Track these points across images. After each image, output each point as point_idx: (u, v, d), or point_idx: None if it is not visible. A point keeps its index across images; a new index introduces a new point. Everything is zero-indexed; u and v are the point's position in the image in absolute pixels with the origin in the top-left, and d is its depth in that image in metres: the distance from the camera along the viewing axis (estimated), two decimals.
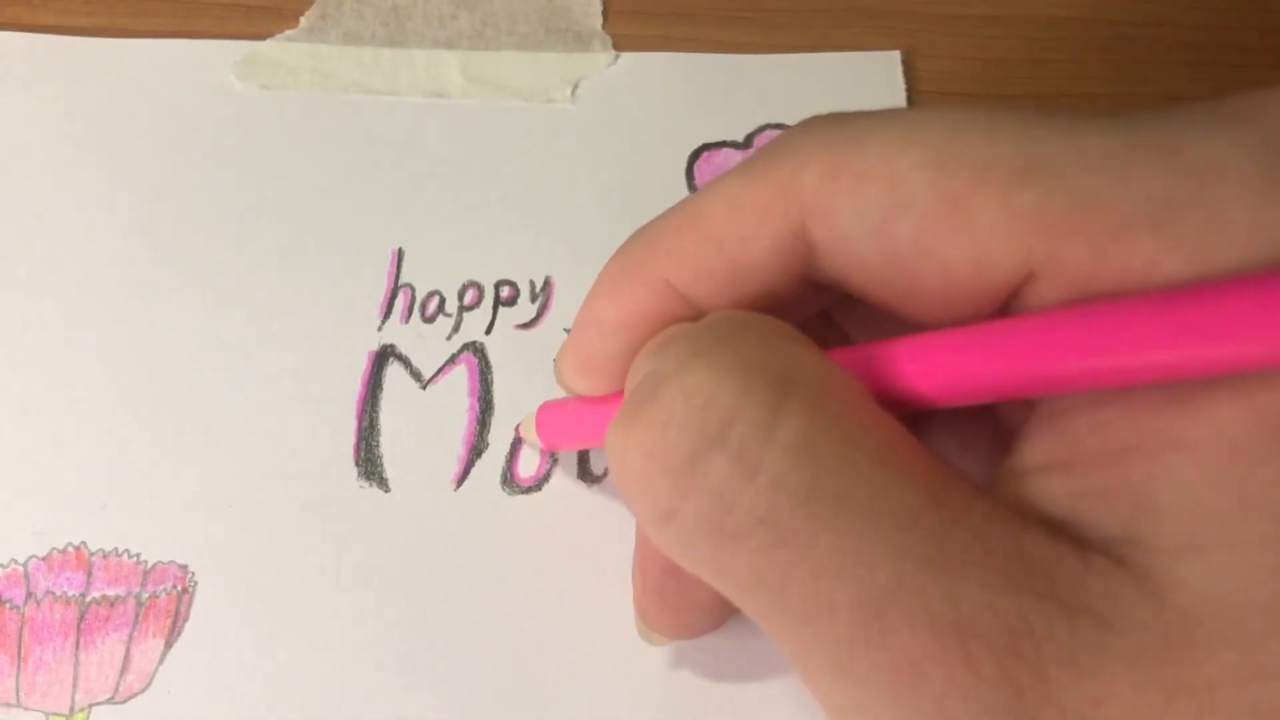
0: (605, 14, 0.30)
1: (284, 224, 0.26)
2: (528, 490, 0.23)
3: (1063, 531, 0.12)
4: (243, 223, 0.26)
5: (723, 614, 0.20)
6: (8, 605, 0.22)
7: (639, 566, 0.19)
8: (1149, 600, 0.12)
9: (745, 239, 0.15)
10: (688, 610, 0.19)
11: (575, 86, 0.28)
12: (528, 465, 0.24)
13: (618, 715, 0.21)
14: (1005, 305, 0.14)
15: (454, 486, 0.23)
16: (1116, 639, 0.12)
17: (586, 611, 0.22)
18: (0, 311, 0.25)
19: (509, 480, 0.23)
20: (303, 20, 0.29)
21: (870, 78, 0.29)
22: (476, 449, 0.24)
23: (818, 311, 0.17)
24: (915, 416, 0.14)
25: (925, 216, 0.13)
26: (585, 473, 0.24)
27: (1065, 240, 0.12)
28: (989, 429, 0.17)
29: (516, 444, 0.24)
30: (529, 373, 0.25)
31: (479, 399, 0.24)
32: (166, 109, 0.28)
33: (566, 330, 0.25)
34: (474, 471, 0.23)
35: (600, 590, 0.22)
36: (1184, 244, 0.12)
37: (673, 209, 0.17)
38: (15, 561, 0.22)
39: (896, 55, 0.29)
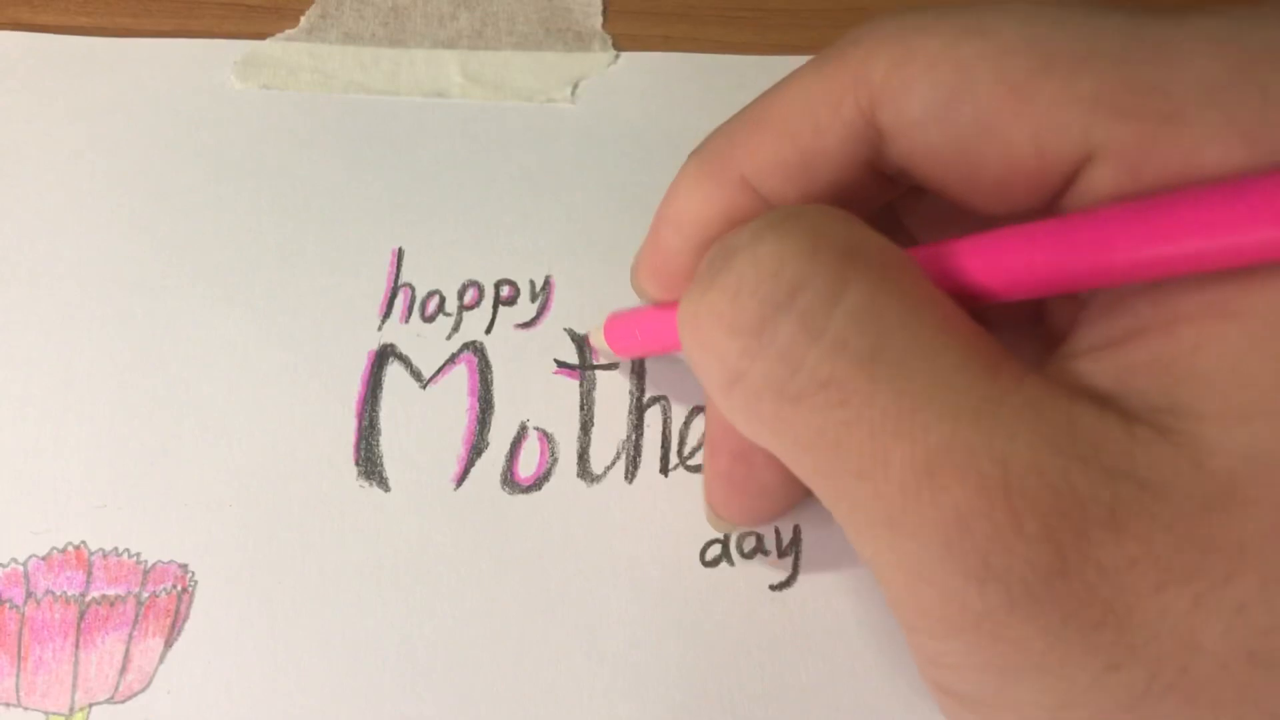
0: (605, 13, 0.30)
1: (284, 223, 0.26)
2: (528, 490, 0.23)
3: (1109, 405, 0.13)
4: (242, 222, 0.26)
5: (789, 499, 0.20)
6: (7, 605, 0.22)
7: (709, 455, 0.20)
8: (1188, 466, 0.12)
9: (818, 128, 0.16)
10: (755, 495, 0.20)
11: (575, 86, 0.28)
12: (528, 465, 0.24)
13: (617, 715, 0.21)
14: (1060, 193, 0.14)
15: (454, 486, 0.23)
16: (1156, 503, 0.12)
17: (586, 611, 0.22)
18: None
19: (509, 480, 0.23)
20: (303, 20, 0.29)
21: None
22: (476, 448, 0.24)
23: (882, 206, 0.18)
24: None
25: (989, 100, 0.14)
26: (585, 473, 0.24)
27: (1122, 123, 0.13)
28: (1038, 336, 0.18)
29: (516, 443, 0.24)
30: (529, 372, 0.25)
31: (479, 398, 0.24)
32: (166, 108, 0.28)
33: (566, 330, 0.25)
34: (474, 471, 0.23)
35: (600, 590, 0.22)
36: (1236, 125, 0.12)
37: (745, 109, 0.17)
38: (15, 561, 0.22)
39: None
